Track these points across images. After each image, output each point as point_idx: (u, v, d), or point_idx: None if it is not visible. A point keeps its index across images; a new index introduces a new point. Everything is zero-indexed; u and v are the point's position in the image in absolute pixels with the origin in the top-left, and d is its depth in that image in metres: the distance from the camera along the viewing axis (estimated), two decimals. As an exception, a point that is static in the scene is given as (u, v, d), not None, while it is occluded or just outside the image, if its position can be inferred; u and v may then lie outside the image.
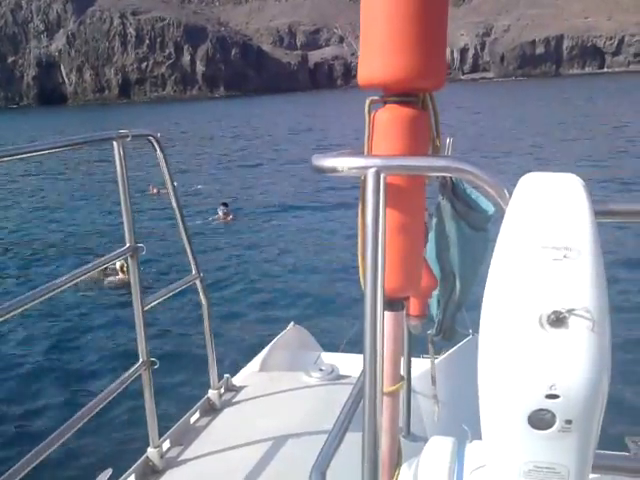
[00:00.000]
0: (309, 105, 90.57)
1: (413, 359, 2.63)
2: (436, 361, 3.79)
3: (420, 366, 3.03)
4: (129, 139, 2.34)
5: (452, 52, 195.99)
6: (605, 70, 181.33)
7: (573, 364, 0.76)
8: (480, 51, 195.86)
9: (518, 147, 27.55)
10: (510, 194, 0.92)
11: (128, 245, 2.45)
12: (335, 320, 9.35)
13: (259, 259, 13.78)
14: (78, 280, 2.20)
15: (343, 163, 1.23)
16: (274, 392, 3.17)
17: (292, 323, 4.85)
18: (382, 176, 1.18)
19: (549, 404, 0.77)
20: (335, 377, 3.27)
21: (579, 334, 0.76)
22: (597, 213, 0.85)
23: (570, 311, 0.76)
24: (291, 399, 3.09)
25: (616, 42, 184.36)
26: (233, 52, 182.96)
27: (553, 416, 0.78)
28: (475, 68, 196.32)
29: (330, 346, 4.96)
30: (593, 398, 0.77)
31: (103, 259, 2.46)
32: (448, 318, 2.03)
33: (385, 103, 1.34)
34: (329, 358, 4.23)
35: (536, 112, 49.34)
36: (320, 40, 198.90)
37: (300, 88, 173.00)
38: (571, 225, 0.81)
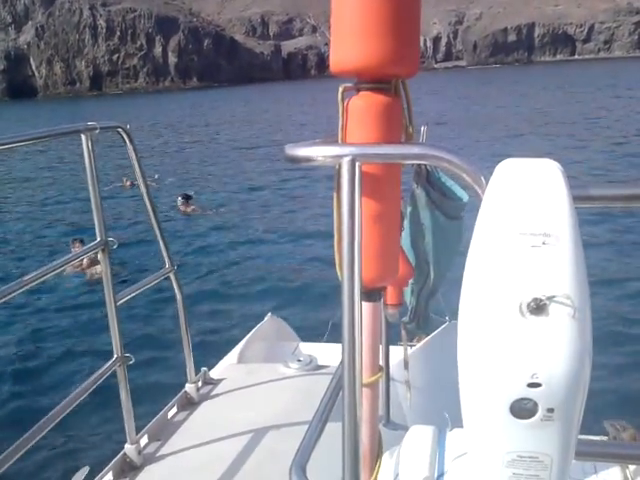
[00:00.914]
0: (283, 95, 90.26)
1: (392, 347, 2.63)
2: (414, 348, 3.73)
3: (399, 354, 3.01)
4: (97, 131, 2.29)
5: (425, 41, 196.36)
6: (576, 57, 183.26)
7: (555, 352, 0.75)
8: (453, 39, 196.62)
9: (493, 135, 27.70)
10: (487, 181, 0.90)
11: (99, 239, 2.41)
12: (313, 310, 9.30)
13: (231, 249, 13.62)
14: (49, 276, 2.16)
15: (317, 152, 1.20)
16: (252, 384, 3.14)
17: (269, 314, 4.80)
18: (357, 164, 1.16)
19: (531, 393, 0.76)
20: (314, 367, 3.25)
21: (560, 321, 0.75)
22: (575, 198, 0.84)
23: (550, 298, 0.75)
24: (269, 391, 3.08)
25: (586, 29, 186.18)
26: (205, 43, 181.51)
27: (535, 405, 0.77)
28: (448, 56, 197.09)
29: (309, 336, 4.92)
30: (575, 386, 0.76)
31: (74, 254, 2.45)
32: (421, 305, 2.05)
33: (358, 90, 1.32)
34: (307, 348, 4.19)
35: (509, 99, 49.65)
36: (293, 30, 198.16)
37: (274, 78, 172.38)
38: (549, 211, 0.79)
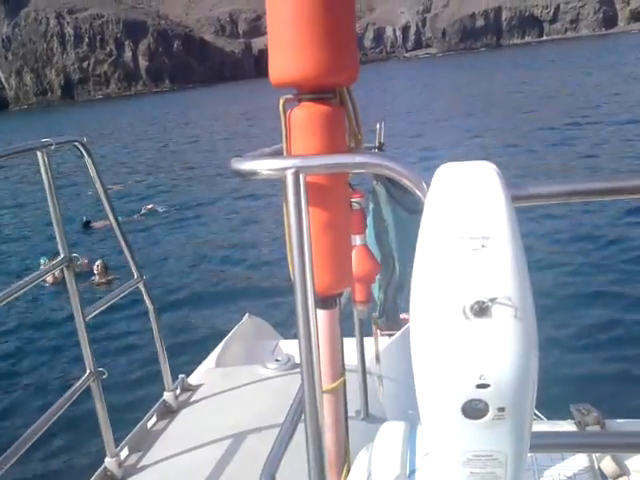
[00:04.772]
0: (254, 92, 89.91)
1: (366, 339, 2.62)
2: (390, 340, 3.82)
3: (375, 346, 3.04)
4: (53, 147, 2.24)
5: (394, 31, 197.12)
6: (544, 38, 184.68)
7: (499, 352, 0.77)
8: (421, 27, 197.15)
9: (455, 126, 27.75)
10: (428, 186, 0.91)
11: (63, 256, 2.36)
12: (291, 306, 9.29)
13: (200, 253, 13.44)
14: (16, 296, 2.13)
15: (261, 166, 1.21)
16: (231, 388, 3.10)
17: (247, 314, 4.69)
18: (301, 176, 1.17)
19: (480, 394, 0.78)
20: (292, 366, 3.17)
21: (503, 322, 0.77)
22: (514, 198, 0.86)
23: (492, 300, 0.77)
24: (248, 394, 3.03)
25: (552, 10, 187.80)
26: (175, 44, 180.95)
27: (486, 405, 0.78)
28: (418, 45, 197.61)
29: (291, 332, 4.70)
30: (523, 384, 0.78)
31: (38, 273, 2.36)
32: (390, 300, 2.14)
33: (300, 101, 1.33)
34: (287, 346, 4.15)
35: (475, 87, 49.87)
36: (262, 27, 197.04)
37: (246, 76, 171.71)
38: (486, 214, 0.81)
